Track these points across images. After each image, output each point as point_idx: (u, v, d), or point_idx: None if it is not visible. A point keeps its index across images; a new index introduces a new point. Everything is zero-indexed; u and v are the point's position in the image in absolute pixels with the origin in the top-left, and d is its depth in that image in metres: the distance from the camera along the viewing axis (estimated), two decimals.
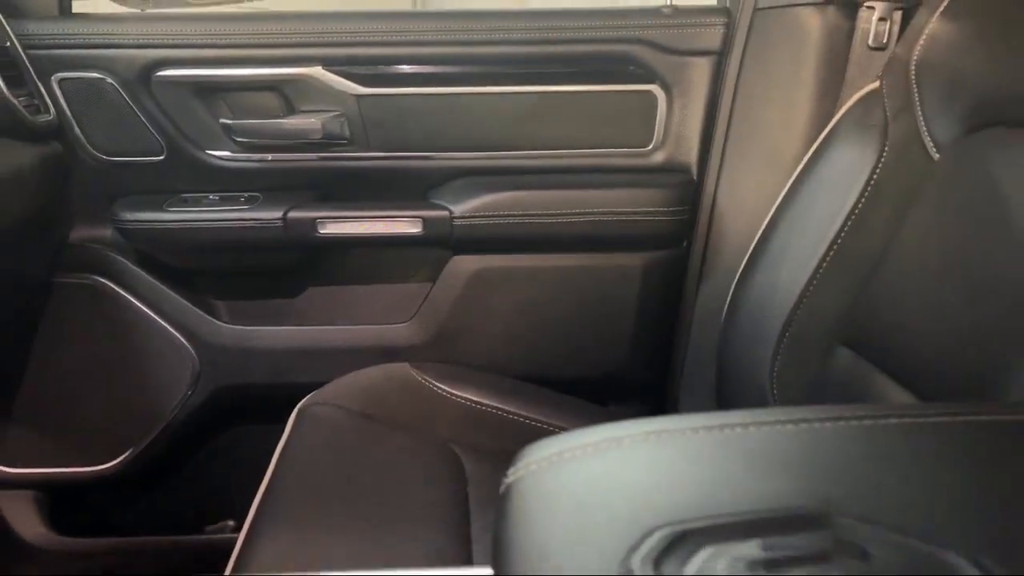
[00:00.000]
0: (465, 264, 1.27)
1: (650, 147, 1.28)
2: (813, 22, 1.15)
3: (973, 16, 0.92)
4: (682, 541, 0.29)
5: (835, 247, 0.99)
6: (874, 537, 0.29)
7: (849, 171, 1.00)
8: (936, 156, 0.91)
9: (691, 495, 0.33)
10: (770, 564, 0.28)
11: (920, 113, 0.95)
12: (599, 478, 0.35)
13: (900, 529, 0.29)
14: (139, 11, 1.34)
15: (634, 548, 0.29)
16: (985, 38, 0.90)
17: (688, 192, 1.26)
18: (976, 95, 0.88)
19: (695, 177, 1.27)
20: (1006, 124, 0.84)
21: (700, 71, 1.24)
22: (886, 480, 0.33)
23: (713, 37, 1.23)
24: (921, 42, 0.97)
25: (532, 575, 0.31)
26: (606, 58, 1.24)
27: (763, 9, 1.21)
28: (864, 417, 0.39)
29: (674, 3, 1.27)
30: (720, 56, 1.23)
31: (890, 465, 0.35)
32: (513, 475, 0.38)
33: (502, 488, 0.38)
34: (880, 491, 0.32)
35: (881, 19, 1.10)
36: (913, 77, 0.97)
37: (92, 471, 1.29)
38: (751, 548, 0.28)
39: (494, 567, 0.35)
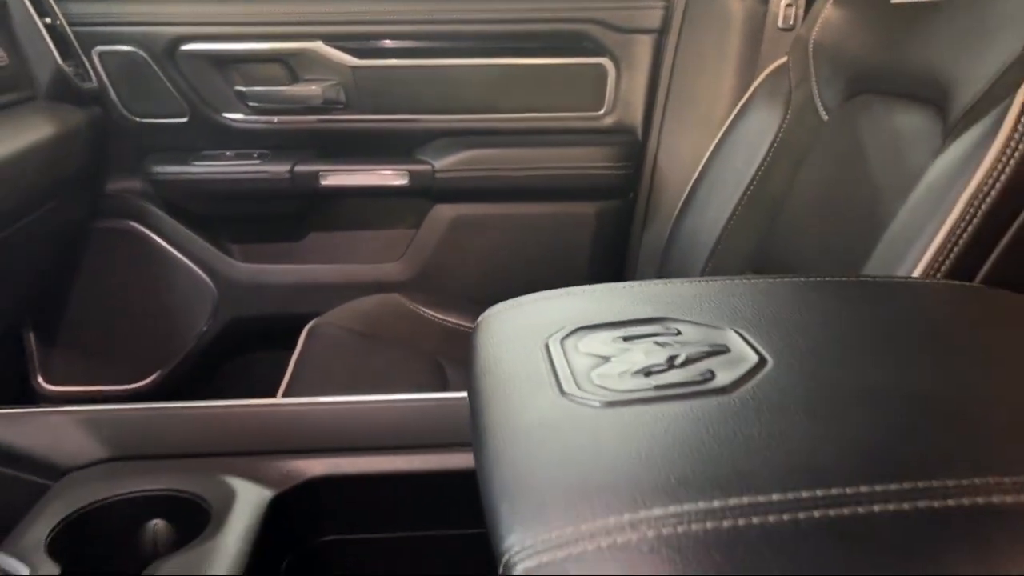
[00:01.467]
0: (445, 212, 1.47)
1: (601, 112, 1.48)
2: (736, 7, 1.35)
3: (855, 5, 1.12)
4: (577, 331, 0.51)
5: (748, 193, 1.19)
6: (687, 326, 0.50)
7: (761, 131, 1.20)
8: (825, 117, 1.11)
9: (591, 314, 0.54)
10: (626, 339, 0.49)
11: (815, 83, 1.15)
12: (543, 311, 0.56)
13: (706, 324, 0.51)
14: None
15: (551, 336, 0.50)
16: (861, 24, 1.09)
17: (633, 150, 1.47)
18: (854, 69, 1.07)
19: (639, 137, 1.48)
20: (872, 92, 1.03)
21: (643, 47, 1.44)
22: (717, 304, 0.54)
23: (654, 18, 1.42)
24: (817, 25, 1.17)
25: (489, 369, 0.51)
26: (564, 35, 1.43)
27: None
28: (735, 280, 0.59)
29: None
30: (660, 35, 1.43)
31: (727, 298, 0.56)
32: (482, 317, 0.59)
33: (474, 327, 0.58)
34: (702, 308, 0.53)
35: (788, 5, 1.31)
36: (811, 54, 1.17)
37: (126, 389, 1.48)
38: (615, 332, 0.50)
39: (468, 384, 0.53)
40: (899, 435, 0.39)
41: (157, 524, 0.60)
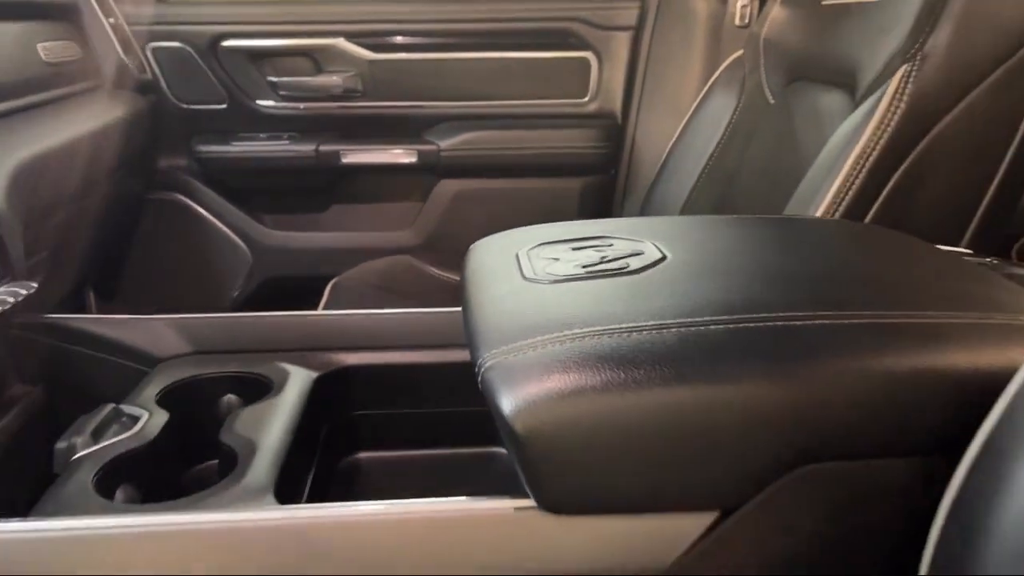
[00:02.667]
0: (448, 186, 1.66)
1: (585, 99, 1.66)
2: (700, 7, 1.54)
3: (796, 6, 1.29)
4: (541, 245, 0.69)
5: (708, 166, 1.36)
6: (619, 241, 0.69)
7: (719, 114, 1.38)
8: (772, 101, 1.28)
9: (553, 235, 0.72)
10: (574, 248, 0.68)
11: (763, 72, 1.32)
12: (518, 237, 0.74)
13: (632, 239, 0.69)
14: None
15: (521, 248, 0.69)
16: (799, 22, 1.26)
17: (613, 132, 1.65)
18: (792, 59, 1.24)
19: (618, 121, 1.66)
20: (805, 79, 1.20)
21: (621, 43, 1.62)
22: (647, 229, 0.72)
23: (631, 17, 1.61)
24: (767, 23, 1.34)
25: (475, 270, 0.69)
26: (553, 32, 1.62)
27: None
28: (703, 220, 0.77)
29: None
30: (636, 32, 1.61)
31: (655, 225, 0.74)
32: (474, 245, 0.77)
33: (468, 251, 0.77)
34: (635, 231, 0.72)
35: (744, 5, 1.49)
36: (761, 47, 1.34)
37: None
38: (568, 245, 0.69)
39: (461, 285, 0.71)
40: (765, 288, 0.57)
41: (230, 397, 0.79)
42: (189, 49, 1.54)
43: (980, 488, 0.42)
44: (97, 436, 0.65)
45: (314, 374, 0.79)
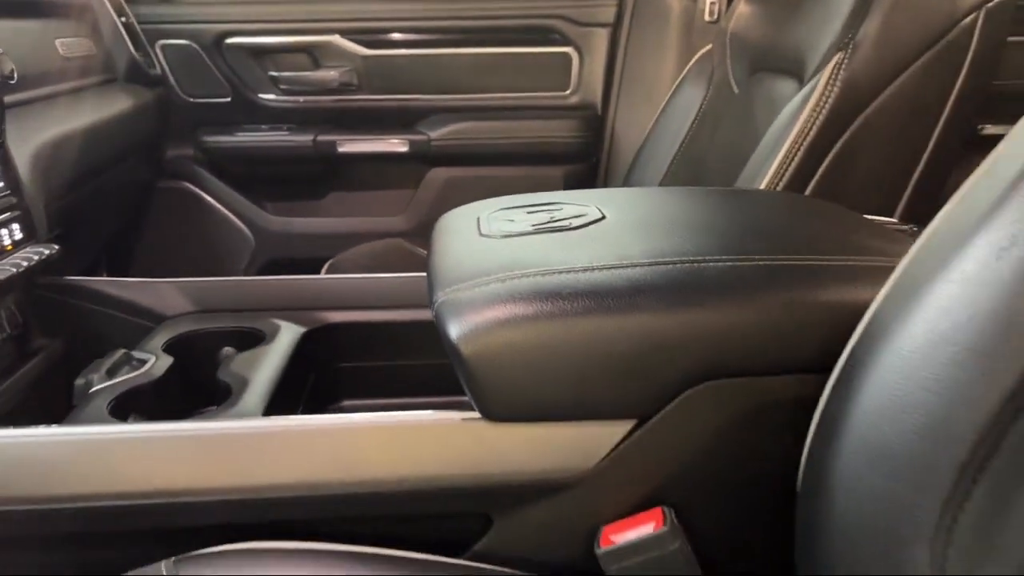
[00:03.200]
0: (439, 174, 1.75)
1: (567, 92, 1.75)
2: (673, 4, 1.62)
3: (759, 3, 1.37)
4: (500, 210, 0.78)
5: (679, 153, 1.44)
6: (568, 205, 0.78)
7: (689, 104, 1.46)
8: (736, 90, 1.37)
9: (514, 203, 0.81)
10: (528, 212, 0.76)
11: (729, 64, 1.41)
12: (483, 206, 0.83)
13: (580, 204, 0.78)
14: None
15: (481, 213, 0.78)
16: (761, 17, 1.35)
17: (593, 123, 1.74)
18: (754, 52, 1.33)
19: (598, 112, 1.74)
20: (764, 69, 1.29)
21: (600, 39, 1.71)
22: (597, 197, 0.81)
23: (609, 15, 1.69)
24: (733, 19, 1.43)
25: (440, 232, 0.78)
26: (536, 29, 1.71)
27: None
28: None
29: None
30: (614, 28, 1.70)
31: (605, 194, 0.83)
32: (444, 215, 0.86)
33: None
34: (586, 198, 0.81)
35: (712, 2, 1.58)
36: (728, 41, 1.42)
37: None
38: (524, 210, 0.78)
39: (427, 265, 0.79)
40: (683, 239, 0.65)
41: (227, 349, 0.88)
42: (195, 46, 1.63)
43: (839, 400, 0.51)
44: (111, 374, 0.75)
45: (302, 329, 0.89)
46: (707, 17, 1.58)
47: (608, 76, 1.72)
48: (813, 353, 0.57)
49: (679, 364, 0.58)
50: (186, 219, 1.71)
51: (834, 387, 0.53)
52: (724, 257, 0.61)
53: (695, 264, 0.60)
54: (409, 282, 0.97)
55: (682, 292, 0.59)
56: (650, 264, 0.61)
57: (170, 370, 0.78)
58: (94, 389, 0.72)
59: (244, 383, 0.73)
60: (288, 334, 0.87)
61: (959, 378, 0.45)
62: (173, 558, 0.54)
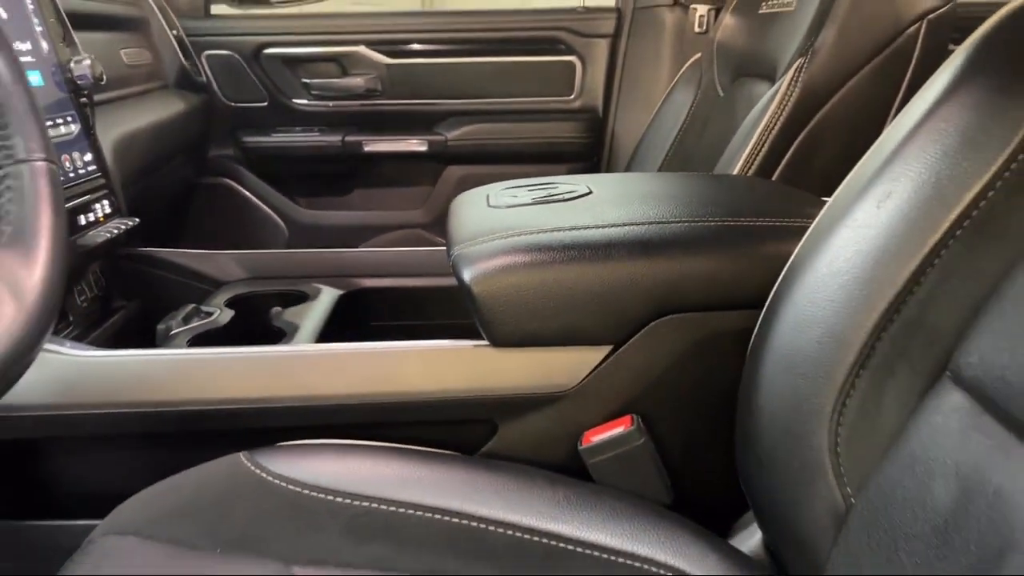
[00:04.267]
0: (454, 172, 1.89)
1: (571, 96, 1.89)
2: (667, 17, 1.77)
3: (741, 15, 1.51)
4: (508, 188, 0.93)
5: (671, 151, 1.57)
6: (564, 184, 0.92)
7: (680, 107, 1.60)
8: (721, 94, 1.50)
9: (520, 182, 0.96)
10: (529, 190, 0.91)
11: (715, 70, 1.54)
12: (495, 185, 0.98)
13: (573, 184, 0.92)
14: (250, 11, 1.94)
15: (491, 190, 0.93)
16: (743, 28, 1.48)
17: (595, 125, 1.88)
18: (737, 59, 1.46)
19: (600, 115, 1.89)
20: (746, 75, 1.42)
21: (601, 48, 1.85)
22: (591, 179, 0.96)
23: (609, 27, 1.84)
24: (719, 31, 1.57)
25: (456, 204, 0.92)
26: (543, 40, 1.85)
27: (639, 8, 1.82)
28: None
29: (585, 4, 1.89)
30: (614, 39, 1.85)
31: (598, 177, 0.97)
32: (458, 196, 1.00)
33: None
34: (582, 180, 0.95)
35: (702, 16, 1.72)
36: (715, 50, 1.56)
37: None
38: (528, 187, 0.92)
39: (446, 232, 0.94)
40: (650, 209, 0.80)
41: (276, 308, 1.03)
42: (236, 56, 1.79)
43: (766, 325, 0.65)
44: (186, 321, 0.90)
45: (340, 292, 1.03)
46: (696, 29, 1.72)
47: (608, 82, 1.87)
48: (751, 293, 0.71)
49: (645, 301, 0.72)
50: (226, 211, 1.86)
51: (763, 317, 0.67)
52: (681, 219, 0.75)
53: (658, 224, 0.75)
54: (429, 255, 1.11)
55: (647, 245, 0.73)
56: (622, 224, 0.75)
57: (232, 320, 0.93)
58: (173, 332, 0.87)
59: (295, 328, 0.88)
60: (327, 296, 1.02)
61: (848, 300, 0.59)
62: (247, 451, 0.69)
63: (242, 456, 0.68)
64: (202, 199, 1.85)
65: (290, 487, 0.64)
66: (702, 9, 1.71)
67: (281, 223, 1.88)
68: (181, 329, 0.87)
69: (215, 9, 1.84)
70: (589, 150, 1.89)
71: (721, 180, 0.98)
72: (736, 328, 0.72)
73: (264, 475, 0.65)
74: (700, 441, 0.75)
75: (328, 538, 0.62)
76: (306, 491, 0.64)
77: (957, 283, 0.55)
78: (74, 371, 0.70)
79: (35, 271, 0.45)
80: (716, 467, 0.73)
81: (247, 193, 1.86)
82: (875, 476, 0.56)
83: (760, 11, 1.42)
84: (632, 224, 0.75)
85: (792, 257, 0.66)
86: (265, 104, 1.83)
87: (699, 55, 1.62)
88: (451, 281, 0.83)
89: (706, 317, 0.73)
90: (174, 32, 1.66)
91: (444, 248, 1.03)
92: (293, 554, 0.60)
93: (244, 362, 0.72)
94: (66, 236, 0.49)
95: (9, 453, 0.73)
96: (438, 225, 1.88)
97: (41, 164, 0.49)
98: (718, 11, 1.70)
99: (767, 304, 0.66)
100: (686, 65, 1.66)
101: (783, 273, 0.66)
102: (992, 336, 0.52)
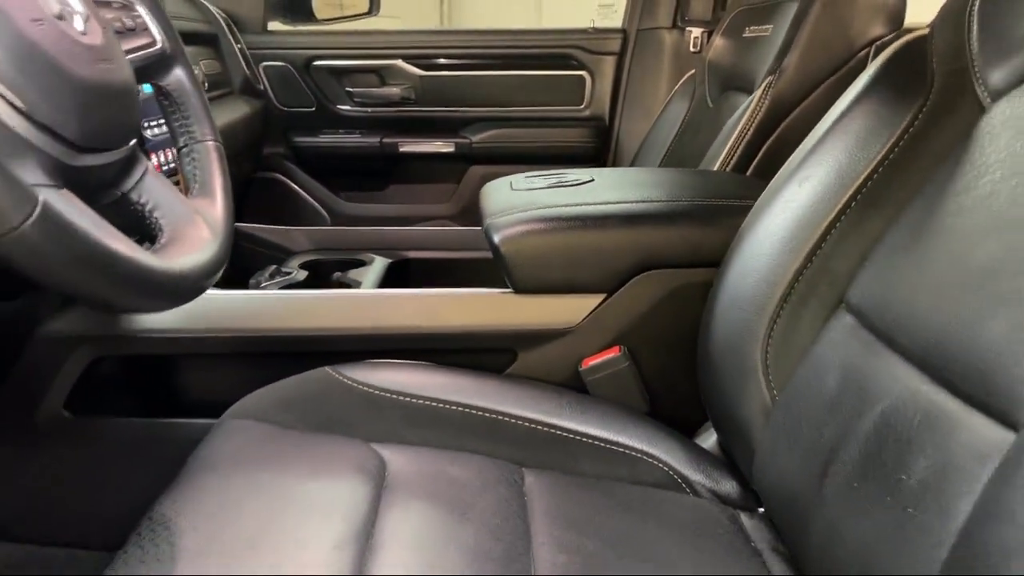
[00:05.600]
0: (477, 171, 2.11)
1: (581, 106, 2.10)
2: (666, 38, 1.98)
3: (729, 37, 1.72)
4: (528, 176, 1.14)
5: (667, 154, 1.77)
6: (573, 172, 1.14)
7: (676, 116, 1.81)
8: (711, 105, 1.71)
9: (535, 173, 1.17)
10: (544, 178, 1.12)
11: (707, 85, 1.75)
12: (513, 177, 1.19)
13: (578, 173, 1.13)
14: (301, 27, 2.16)
15: (514, 178, 1.14)
16: (730, 48, 1.69)
17: (602, 132, 2.09)
18: (722, 75, 1.67)
19: (606, 123, 2.10)
20: (731, 89, 1.63)
21: (608, 64, 2.06)
22: (595, 171, 1.17)
23: (615, 45, 2.05)
24: (711, 51, 1.77)
25: (486, 188, 1.14)
26: (559, 56, 2.07)
27: (642, 30, 2.03)
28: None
29: (595, 25, 2.10)
30: (620, 56, 2.06)
31: (601, 168, 1.19)
32: (486, 184, 1.22)
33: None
34: (588, 171, 1.16)
35: (696, 37, 1.93)
36: (707, 68, 1.77)
37: None
38: (546, 176, 1.14)
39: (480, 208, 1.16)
40: (637, 192, 1.01)
41: (337, 273, 1.24)
42: (289, 67, 2.01)
43: (720, 277, 0.86)
44: (271, 278, 1.12)
45: (389, 260, 1.25)
46: (691, 49, 1.93)
47: (614, 94, 2.08)
48: (711, 254, 0.92)
49: (631, 260, 0.93)
50: (277, 202, 2.08)
51: (719, 271, 0.88)
52: (660, 200, 0.97)
53: (642, 203, 0.96)
54: (459, 234, 1.33)
55: (633, 218, 0.94)
56: (615, 203, 0.96)
57: (307, 278, 1.15)
58: (263, 285, 1.09)
59: (358, 284, 1.09)
60: (379, 263, 1.24)
61: (776, 255, 0.80)
62: (331, 366, 0.90)
63: (328, 369, 0.89)
64: (257, 191, 2.07)
65: (364, 389, 0.86)
66: (696, 32, 1.93)
67: (324, 213, 2.10)
68: (268, 283, 1.09)
69: (271, 26, 2.06)
70: (596, 154, 2.10)
71: (693, 173, 1.20)
72: (699, 280, 0.93)
73: (345, 380, 0.86)
74: (671, 365, 0.96)
75: (392, 424, 0.83)
76: (376, 392, 0.86)
77: (851, 240, 0.76)
78: (200, 305, 0.92)
79: (218, 209, 0.66)
80: (683, 384, 0.94)
81: (295, 186, 2.08)
82: (791, 378, 0.77)
83: (744, 35, 1.63)
84: (623, 203, 0.96)
85: (741, 227, 0.87)
86: (313, 109, 2.05)
87: (693, 71, 1.83)
88: (478, 254, 1.05)
89: (677, 272, 0.94)
90: (239, 46, 1.88)
91: (472, 228, 1.24)
92: (368, 434, 0.82)
93: (327, 301, 0.94)
94: (231, 188, 0.71)
95: (151, 365, 0.94)
96: (463, 217, 2.10)
97: (212, 143, 0.71)
98: (710, 34, 1.90)
99: (722, 262, 0.87)
100: (682, 80, 1.87)
101: (734, 240, 0.87)
102: (871, 276, 0.73)
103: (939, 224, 0.67)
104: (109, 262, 0.48)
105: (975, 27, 0.74)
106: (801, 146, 0.86)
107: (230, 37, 1.84)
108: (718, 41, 1.76)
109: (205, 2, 1.81)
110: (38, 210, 0.44)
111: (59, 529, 0.95)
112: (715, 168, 1.36)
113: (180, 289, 0.57)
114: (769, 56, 1.42)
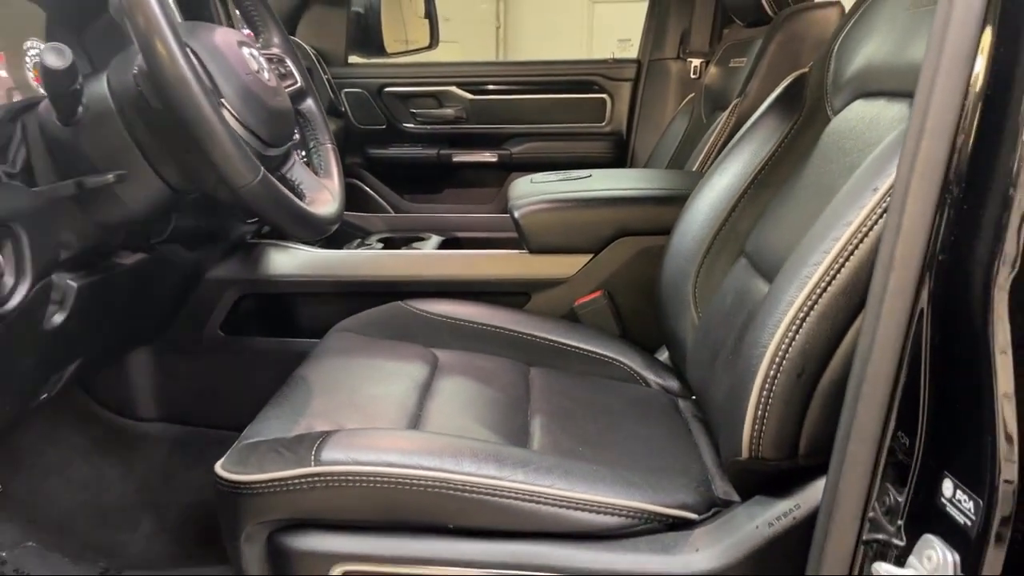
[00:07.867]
0: (516, 177, 2.47)
1: (603, 123, 2.45)
2: (672, 67, 2.32)
3: (720, 67, 2.05)
4: (545, 172, 1.51)
5: (670, 161, 2.12)
6: (581, 172, 1.50)
7: (677, 131, 2.14)
8: (704, 121, 2.04)
9: (555, 173, 1.54)
10: (555, 176, 1.49)
11: (702, 105, 2.09)
12: (532, 175, 1.56)
13: (581, 174, 1.49)
14: (375, 60, 2.56)
15: (534, 176, 1.51)
16: (719, 77, 2.03)
17: (620, 144, 2.44)
18: (714, 97, 2.00)
19: (624, 137, 2.45)
20: (719, 108, 1.96)
21: (625, 89, 2.42)
22: (597, 171, 1.53)
23: (631, 73, 2.40)
24: (707, 76, 2.11)
25: (510, 188, 1.51)
26: (584, 82, 2.43)
27: (652, 60, 2.38)
28: None
29: (615, 56, 2.46)
30: (635, 82, 2.41)
31: (605, 171, 1.54)
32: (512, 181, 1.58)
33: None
34: (592, 172, 1.52)
35: (695, 67, 2.26)
36: (703, 91, 2.11)
37: None
38: (560, 173, 1.50)
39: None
40: (629, 182, 1.36)
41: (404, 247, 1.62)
42: (365, 93, 2.41)
43: (671, 238, 1.20)
44: (358, 248, 1.50)
45: (440, 238, 1.63)
46: (692, 75, 2.27)
47: (630, 114, 2.43)
48: (667, 225, 1.26)
49: (611, 229, 1.29)
50: (353, 202, 2.47)
51: (669, 237, 1.22)
52: (633, 188, 1.32)
53: (620, 190, 1.32)
54: (495, 219, 1.70)
55: (612, 200, 1.30)
56: (601, 190, 1.32)
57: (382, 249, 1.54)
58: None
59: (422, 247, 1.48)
60: (435, 239, 1.61)
61: (703, 223, 1.15)
62: (401, 301, 1.27)
63: (400, 302, 1.26)
64: None
65: (425, 315, 1.23)
66: (696, 62, 2.27)
67: (391, 211, 2.49)
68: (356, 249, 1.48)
69: (351, 59, 2.47)
70: (616, 162, 2.45)
71: (657, 171, 1.55)
72: (658, 244, 1.28)
73: (412, 310, 1.24)
74: (638, 303, 1.31)
75: (443, 337, 1.20)
76: (433, 317, 1.23)
77: (749, 211, 1.11)
78: (308, 257, 1.31)
79: (335, 183, 1.04)
80: (645, 316, 1.29)
81: (369, 190, 2.47)
82: (709, 303, 1.11)
83: (729, 65, 1.96)
84: (606, 190, 1.32)
85: (684, 206, 1.22)
86: (384, 127, 2.45)
87: (693, 95, 2.17)
88: (504, 234, 1.41)
89: (642, 239, 1.29)
90: (326, 76, 2.29)
91: (502, 215, 1.61)
92: (426, 343, 1.19)
93: (399, 257, 1.32)
94: (342, 172, 1.09)
95: (275, 301, 1.34)
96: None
97: (330, 146, 1.09)
98: (707, 63, 2.24)
99: (671, 230, 1.22)
100: (683, 102, 2.21)
101: (680, 214, 1.22)
102: (758, 232, 1.07)
103: (796, 196, 1.01)
104: (291, 207, 0.86)
105: (831, 68, 1.08)
106: (725, 148, 1.20)
107: (319, 69, 2.25)
108: (711, 70, 2.09)
109: (301, 42, 2.22)
110: (261, 174, 0.81)
111: (216, 415, 1.34)
112: (695, 168, 1.70)
113: (320, 226, 0.94)
114: (737, 83, 1.75)
